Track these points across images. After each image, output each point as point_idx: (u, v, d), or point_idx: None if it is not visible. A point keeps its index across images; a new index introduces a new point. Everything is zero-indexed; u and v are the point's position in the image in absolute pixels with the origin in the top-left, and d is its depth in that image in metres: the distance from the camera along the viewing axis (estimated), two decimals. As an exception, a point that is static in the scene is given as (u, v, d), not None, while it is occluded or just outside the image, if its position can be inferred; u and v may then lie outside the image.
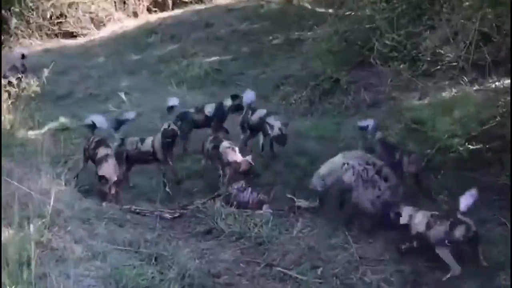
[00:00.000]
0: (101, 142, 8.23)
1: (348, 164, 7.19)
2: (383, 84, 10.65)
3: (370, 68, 11.48)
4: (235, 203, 7.36)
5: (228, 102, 9.94)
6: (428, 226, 6.17)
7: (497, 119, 7.66)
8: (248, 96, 9.70)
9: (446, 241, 5.96)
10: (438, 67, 9.41)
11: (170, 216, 7.26)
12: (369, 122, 8.56)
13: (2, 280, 4.40)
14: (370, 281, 5.80)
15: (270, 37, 15.26)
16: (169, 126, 8.64)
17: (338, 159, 7.38)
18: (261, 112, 9.36)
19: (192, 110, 9.99)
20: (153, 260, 5.78)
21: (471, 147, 7.66)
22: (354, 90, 11.66)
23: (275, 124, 8.88)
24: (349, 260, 6.28)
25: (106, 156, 7.94)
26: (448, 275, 5.87)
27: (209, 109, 9.95)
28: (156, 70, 14.70)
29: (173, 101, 9.84)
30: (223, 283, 5.81)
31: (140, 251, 5.96)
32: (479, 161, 7.74)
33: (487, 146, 7.84)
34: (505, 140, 7.53)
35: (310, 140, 9.92)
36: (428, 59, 8.87)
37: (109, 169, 7.75)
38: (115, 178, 7.69)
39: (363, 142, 8.59)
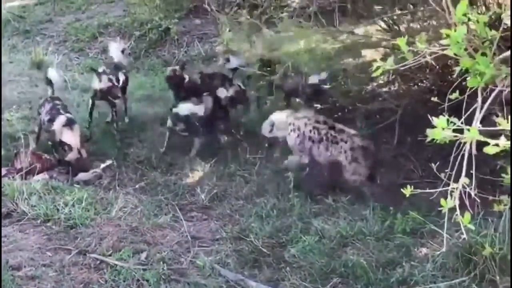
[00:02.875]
0: None
1: (293, 124, 7.44)
2: (221, 34, 10.72)
3: (205, 15, 11.56)
4: None
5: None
6: None
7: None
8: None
9: None
10: (283, 14, 9.67)
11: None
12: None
13: None
14: (203, 264, 5.85)
15: (84, -25, 14.83)
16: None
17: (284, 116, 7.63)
18: None
19: None
20: None
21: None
22: (187, 41, 11.68)
23: None
24: (179, 241, 6.31)
25: None
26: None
27: None
28: None
29: None
30: (25, 276, 5.56)
31: None
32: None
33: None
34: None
35: (136, 101, 9.83)
36: (271, 5, 9.05)
37: None
38: None
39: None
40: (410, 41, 3.61)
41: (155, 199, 7.12)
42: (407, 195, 3.68)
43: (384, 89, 8.99)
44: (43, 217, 6.46)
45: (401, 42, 3.53)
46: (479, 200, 3.99)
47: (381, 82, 9.02)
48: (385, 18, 8.13)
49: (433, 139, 3.24)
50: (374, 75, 3.85)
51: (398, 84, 8.90)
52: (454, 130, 3.16)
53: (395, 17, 8.13)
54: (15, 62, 10.90)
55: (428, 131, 3.22)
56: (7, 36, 12.89)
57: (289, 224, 6.36)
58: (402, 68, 3.77)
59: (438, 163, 4.05)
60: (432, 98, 4.48)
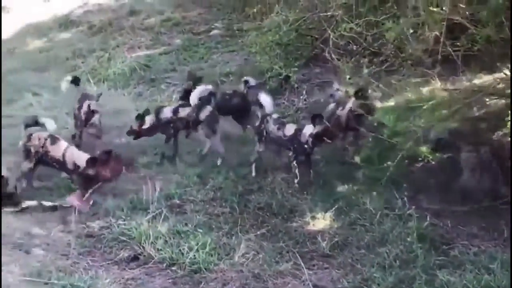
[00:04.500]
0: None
1: None
2: (340, 82, 10.74)
3: (325, 63, 11.63)
4: None
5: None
6: None
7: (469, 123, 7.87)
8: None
9: None
10: (403, 62, 9.61)
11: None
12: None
13: None
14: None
15: (208, 27, 15.29)
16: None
17: None
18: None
19: None
20: (67, 293, 5.71)
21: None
22: (307, 89, 11.77)
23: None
24: (300, 289, 6.33)
25: None
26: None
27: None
28: (70, 66, 14.51)
29: None
30: (152, 319, 5.78)
31: (51, 282, 5.88)
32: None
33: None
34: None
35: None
36: (392, 53, 9.02)
37: None
38: None
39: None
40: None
41: (276, 246, 7.16)
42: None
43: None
44: (169, 261, 6.65)
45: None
46: None
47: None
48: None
49: None
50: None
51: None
52: None
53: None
54: (140, 110, 11.28)
55: None
56: (133, 84, 13.41)
57: (412, 275, 6.26)
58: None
59: None
60: None
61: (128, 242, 7.04)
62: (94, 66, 14.25)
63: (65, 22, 17.57)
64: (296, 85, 11.87)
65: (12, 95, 12.69)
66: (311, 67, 12.36)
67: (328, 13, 10.87)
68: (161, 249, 6.80)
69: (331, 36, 10.06)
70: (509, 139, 7.65)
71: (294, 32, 12.07)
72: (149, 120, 9.84)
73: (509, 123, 3.70)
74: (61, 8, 18.40)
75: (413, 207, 7.29)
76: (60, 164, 8.39)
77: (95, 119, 9.70)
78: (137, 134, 9.93)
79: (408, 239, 6.85)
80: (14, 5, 18.75)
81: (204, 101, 9.79)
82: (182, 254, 6.71)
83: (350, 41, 10.48)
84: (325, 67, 11.90)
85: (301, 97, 11.50)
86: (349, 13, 10.22)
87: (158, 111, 9.92)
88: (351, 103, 9.05)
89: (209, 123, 9.66)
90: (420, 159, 7.78)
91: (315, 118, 8.60)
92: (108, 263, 6.72)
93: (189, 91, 10.04)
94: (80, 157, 8.24)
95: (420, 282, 6.11)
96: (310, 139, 8.55)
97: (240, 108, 10.60)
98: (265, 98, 9.25)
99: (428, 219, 7.22)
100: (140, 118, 9.81)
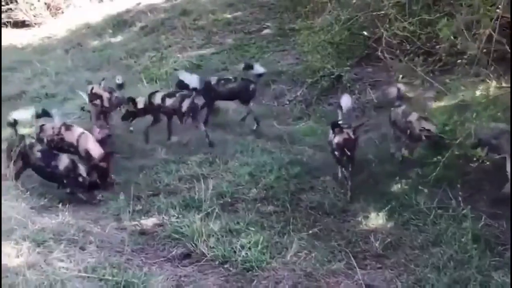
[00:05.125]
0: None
1: None
2: (393, 81, 10.68)
3: (378, 62, 11.56)
4: None
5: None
6: None
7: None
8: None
9: None
10: (458, 61, 9.48)
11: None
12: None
13: None
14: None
15: (259, 26, 15.33)
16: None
17: None
18: None
19: None
20: (121, 289, 5.78)
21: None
22: (359, 88, 11.72)
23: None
24: (353, 288, 6.31)
25: None
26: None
27: None
28: (124, 66, 14.70)
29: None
30: (206, 317, 5.83)
31: (105, 279, 5.96)
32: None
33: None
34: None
35: (307, 147, 9.97)
36: (445, 52, 8.91)
37: None
38: None
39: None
40: None
41: (329, 245, 7.12)
42: None
43: None
44: (221, 258, 6.70)
45: None
46: None
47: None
48: None
49: None
50: None
51: None
52: None
53: None
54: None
55: None
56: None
57: (467, 276, 6.15)
58: None
59: None
60: None
61: (181, 239, 7.12)
62: (146, 65, 14.40)
63: (118, 23, 17.80)
64: (348, 84, 11.82)
65: (67, 94, 12.95)
66: (363, 66, 12.31)
67: (381, 12, 10.74)
68: (213, 247, 6.85)
69: (384, 35, 9.96)
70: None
71: (346, 31, 12.02)
72: (141, 101, 10.54)
73: None
74: (114, 9, 18.67)
75: (469, 207, 7.16)
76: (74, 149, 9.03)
77: None
78: (133, 114, 10.70)
79: (463, 239, 6.74)
80: (67, 6, 19.09)
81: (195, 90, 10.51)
82: (234, 252, 6.76)
83: (404, 40, 10.37)
84: (377, 66, 11.84)
85: (353, 96, 11.41)
86: (402, 11, 10.09)
87: (151, 95, 10.57)
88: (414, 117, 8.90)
89: (192, 114, 10.28)
90: (475, 159, 7.67)
91: (334, 127, 8.52)
92: (161, 260, 6.81)
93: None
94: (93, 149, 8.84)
95: (474, 283, 6.02)
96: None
97: (243, 93, 11.16)
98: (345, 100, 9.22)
99: (483, 219, 7.11)
100: (131, 100, 10.54)
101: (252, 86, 11.12)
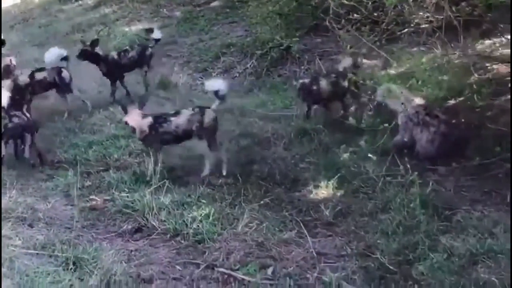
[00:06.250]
0: None
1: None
2: (341, 51, 10.71)
3: (326, 33, 11.58)
4: None
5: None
6: None
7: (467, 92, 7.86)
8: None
9: None
10: (405, 30, 9.57)
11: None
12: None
13: None
14: (330, 280, 5.86)
15: (207, -2, 15.26)
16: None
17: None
18: None
19: None
20: (71, 265, 5.75)
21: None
22: (308, 59, 11.75)
23: None
24: (304, 257, 6.35)
25: None
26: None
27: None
28: (71, 41, 14.47)
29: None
30: (157, 289, 5.81)
31: (55, 255, 5.93)
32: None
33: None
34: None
35: (257, 119, 9.97)
36: (392, 21, 8.96)
37: None
38: None
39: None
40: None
41: (280, 215, 7.17)
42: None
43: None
44: (172, 232, 6.70)
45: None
46: None
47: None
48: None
49: None
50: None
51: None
52: None
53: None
54: (141, 83, 11.32)
55: None
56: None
57: (416, 241, 6.23)
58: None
59: None
60: None
61: (132, 214, 7.10)
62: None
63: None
64: (297, 55, 11.84)
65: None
66: (312, 37, 12.33)
67: (328, -18, 10.75)
68: (164, 220, 6.85)
69: (332, 5, 9.95)
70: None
71: (294, 1, 12.01)
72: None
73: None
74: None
75: (416, 173, 7.25)
76: None
77: None
78: None
79: (411, 205, 6.82)
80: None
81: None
82: (186, 225, 6.75)
83: (350, 10, 10.39)
84: (326, 36, 11.87)
85: (302, 67, 11.45)
86: (348, -19, 10.10)
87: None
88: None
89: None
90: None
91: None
92: (112, 236, 6.79)
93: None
94: None
95: (423, 248, 6.10)
96: None
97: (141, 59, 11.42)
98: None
99: (430, 185, 7.21)
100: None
101: (148, 51, 11.43)
